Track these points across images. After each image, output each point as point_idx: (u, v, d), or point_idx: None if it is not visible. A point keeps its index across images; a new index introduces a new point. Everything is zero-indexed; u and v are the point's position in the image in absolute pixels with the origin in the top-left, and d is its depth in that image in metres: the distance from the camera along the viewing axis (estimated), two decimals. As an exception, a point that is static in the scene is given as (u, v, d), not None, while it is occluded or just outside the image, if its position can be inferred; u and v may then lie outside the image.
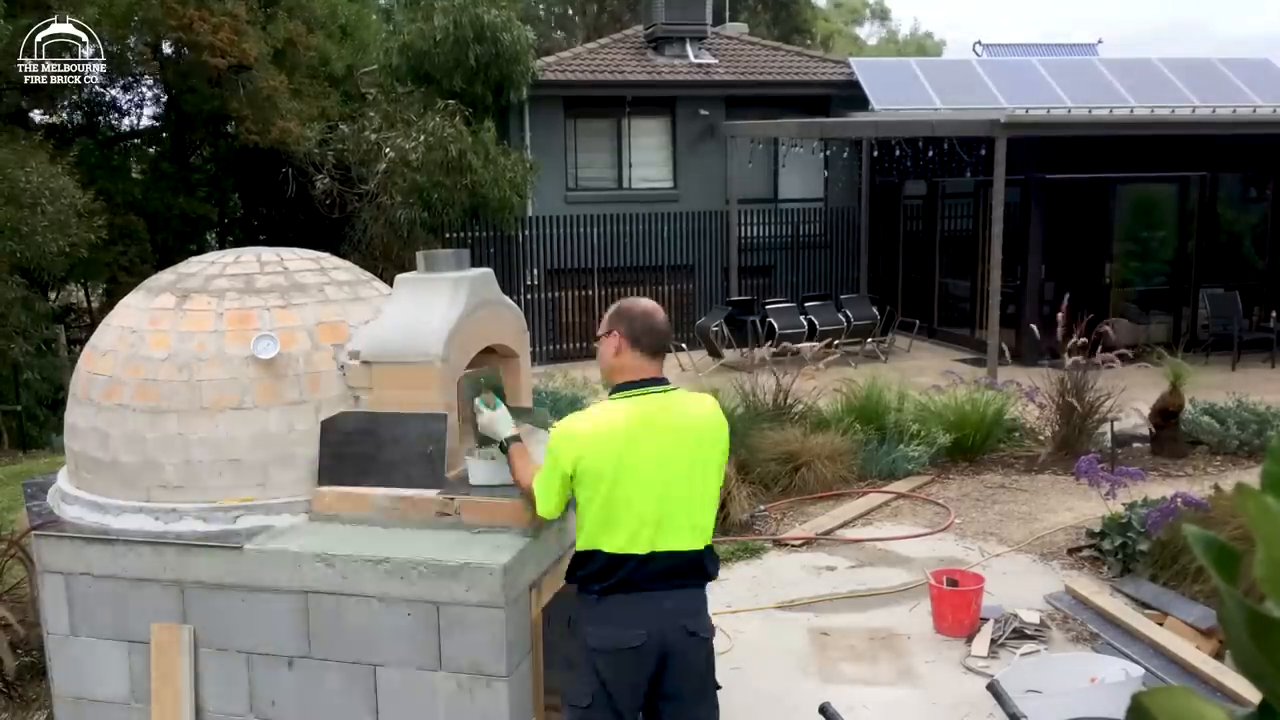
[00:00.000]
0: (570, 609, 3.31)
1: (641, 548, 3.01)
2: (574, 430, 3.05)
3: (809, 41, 31.05)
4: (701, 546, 3.12)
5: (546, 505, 3.12)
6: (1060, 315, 8.49)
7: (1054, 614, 5.66)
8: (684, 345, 14.06)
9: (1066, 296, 8.47)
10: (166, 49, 16.06)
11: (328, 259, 4.08)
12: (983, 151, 13.17)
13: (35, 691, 4.66)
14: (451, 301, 3.60)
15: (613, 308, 3.23)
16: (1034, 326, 10.18)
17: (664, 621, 3.04)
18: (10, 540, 4.94)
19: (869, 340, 14.12)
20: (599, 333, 3.22)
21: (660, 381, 3.15)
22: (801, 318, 13.96)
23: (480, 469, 3.50)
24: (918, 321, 15.30)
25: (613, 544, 3.01)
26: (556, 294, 15.43)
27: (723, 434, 3.22)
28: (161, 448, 3.52)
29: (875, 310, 14.68)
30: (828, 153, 16.71)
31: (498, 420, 3.37)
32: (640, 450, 3.02)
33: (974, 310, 14.63)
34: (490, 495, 3.45)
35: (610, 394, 3.17)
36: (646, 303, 3.27)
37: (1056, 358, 8.93)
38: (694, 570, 3.11)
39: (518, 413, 3.61)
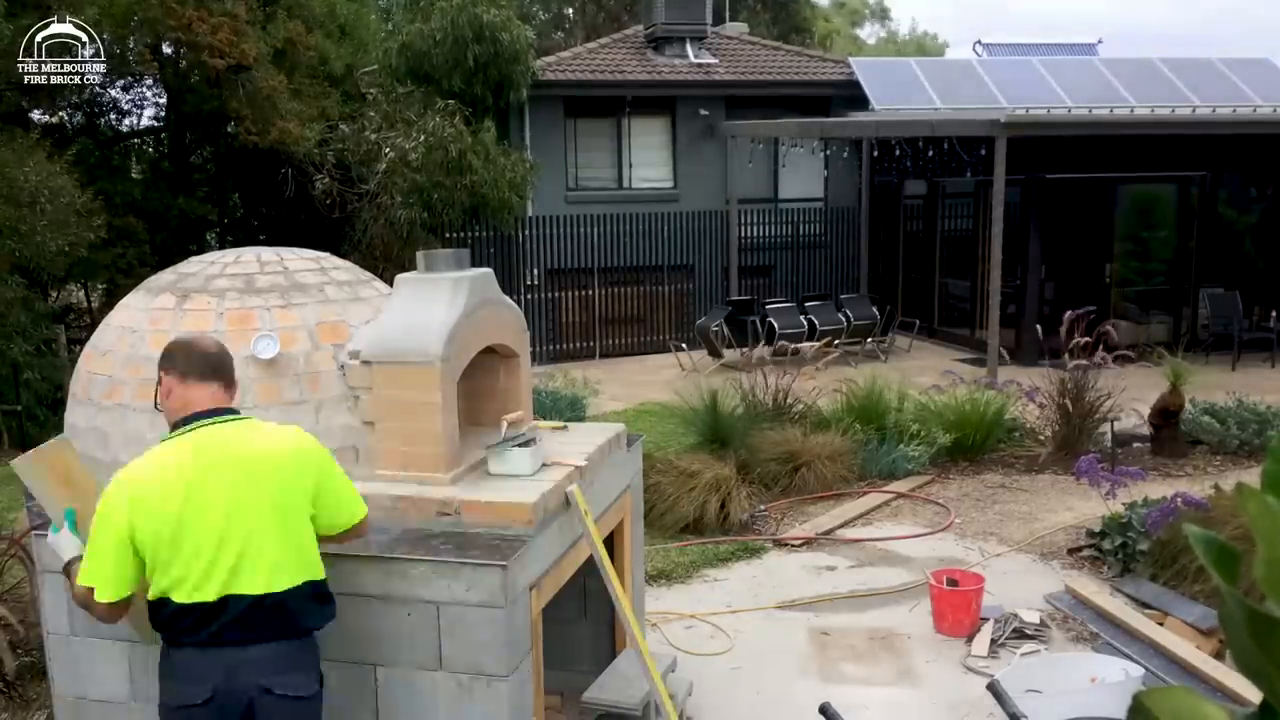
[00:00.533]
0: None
1: (210, 594, 2.74)
2: (118, 488, 2.77)
3: (809, 41, 31.04)
4: (287, 586, 2.81)
5: (108, 585, 2.75)
6: (1066, 316, 8.48)
7: (1054, 614, 5.66)
8: (684, 345, 14.07)
9: (1069, 315, 8.45)
10: (166, 49, 16.05)
11: (328, 259, 4.08)
12: (983, 151, 13.17)
13: (35, 691, 4.66)
14: (451, 301, 3.60)
15: (161, 352, 2.96)
16: (1037, 327, 10.18)
17: (238, 678, 2.76)
18: (11, 540, 4.94)
19: (869, 340, 14.12)
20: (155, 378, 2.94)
21: (222, 412, 2.86)
22: (801, 318, 13.96)
23: (502, 460, 3.54)
24: (918, 321, 15.30)
25: (180, 593, 2.74)
26: (556, 294, 15.42)
27: (308, 462, 2.90)
28: (161, 448, 3.52)
29: (875, 310, 14.67)
30: (828, 153, 16.71)
31: (61, 543, 3.00)
32: (202, 491, 2.75)
33: (974, 310, 14.63)
34: (492, 495, 3.46)
35: (162, 438, 2.89)
36: (191, 334, 3.07)
37: (1057, 358, 8.93)
38: (279, 617, 2.80)
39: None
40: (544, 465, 3.69)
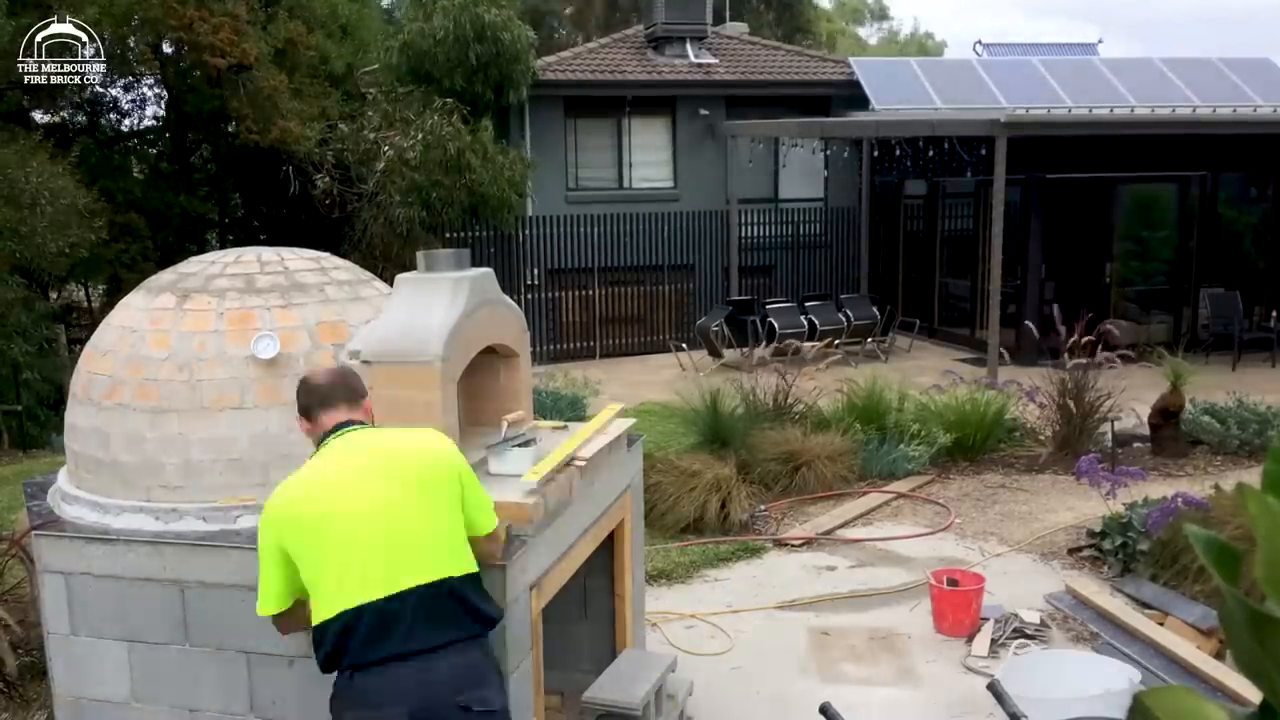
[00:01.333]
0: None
1: (378, 591, 2.66)
2: (270, 503, 2.81)
3: (811, 41, 31.05)
4: (459, 572, 2.75)
5: (268, 600, 2.81)
6: (1064, 322, 8.48)
7: (1054, 614, 5.66)
8: (684, 345, 14.07)
9: (1060, 314, 8.46)
10: (167, 49, 16.06)
11: (328, 259, 4.08)
12: (983, 151, 13.17)
13: (35, 691, 4.66)
14: (452, 301, 3.60)
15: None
16: (1033, 326, 10.18)
17: (430, 693, 2.65)
18: (11, 540, 4.94)
19: (869, 340, 14.12)
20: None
21: (350, 424, 2.93)
22: (801, 317, 13.96)
23: (502, 460, 3.55)
24: (918, 321, 15.30)
25: (346, 600, 2.67)
26: (557, 294, 15.42)
27: (451, 458, 2.91)
28: (162, 447, 3.52)
29: (875, 310, 14.68)
30: (828, 153, 16.71)
31: None
32: (346, 488, 2.77)
33: (974, 310, 14.63)
34: (491, 495, 3.46)
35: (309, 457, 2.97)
36: (310, 371, 3.13)
37: (1057, 357, 8.93)
38: (459, 613, 2.73)
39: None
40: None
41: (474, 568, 2.82)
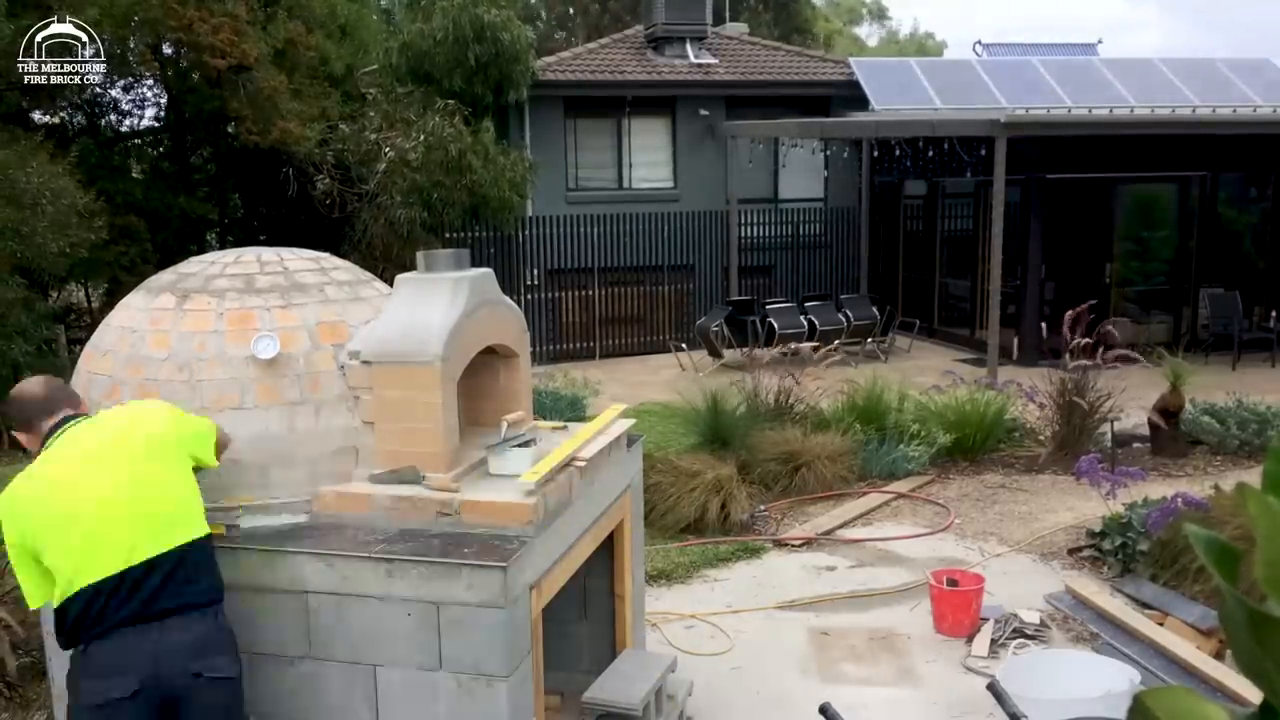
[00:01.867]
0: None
1: (114, 566, 2.82)
2: (3, 510, 2.93)
3: (809, 41, 31.04)
4: (191, 537, 2.96)
5: (33, 598, 2.95)
6: (1068, 317, 8.46)
7: (1054, 614, 5.66)
8: (684, 345, 14.07)
9: (1069, 314, 8.43)
10: (167, 49, 16.05)
11: (328, 259, 4.08)
12: (983, 151, 13.17)
13: (35, 691, 4.66)
14: (451, 301, 3.60)
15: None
16: (1043, 325, 10.17)
17: (163, 661, 2.80)
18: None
19: (869, 340, 14.12)
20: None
21: (71, 417, 3.09)
22: (801, 318, 13.96)
23: (503, 460, 3.55)
24: (918, 321, 15.30)
25: (84, 578, 2.81)
26: (556, 294, 15.42)
27: (161, 423, 3.08)
28: (162, 448, 3.52)
29: (875, 310, 14.67)
30: (828, 153, 16.71)
31: None
32: (77, 483, 2.90)
33: (974, 310, 14.63)
34: (491, 495, 3.46)
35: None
36: (15, 391, 3.21)
37: (1057, 357, 8.92)
38: (193, 581, 2.91)
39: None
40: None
41: (205, 530, 3.03)
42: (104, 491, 2.88)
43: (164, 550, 2.88)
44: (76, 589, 2.81)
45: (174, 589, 2.87)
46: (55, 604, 2.87)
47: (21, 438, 3.14)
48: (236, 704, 2.96)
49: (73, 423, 3.07)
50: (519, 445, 3.66)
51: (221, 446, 3.24)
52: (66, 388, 3.24)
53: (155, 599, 2.83)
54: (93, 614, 2.80)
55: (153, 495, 2.93)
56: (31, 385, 3.18)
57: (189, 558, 2.91)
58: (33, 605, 2.99)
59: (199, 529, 3.00)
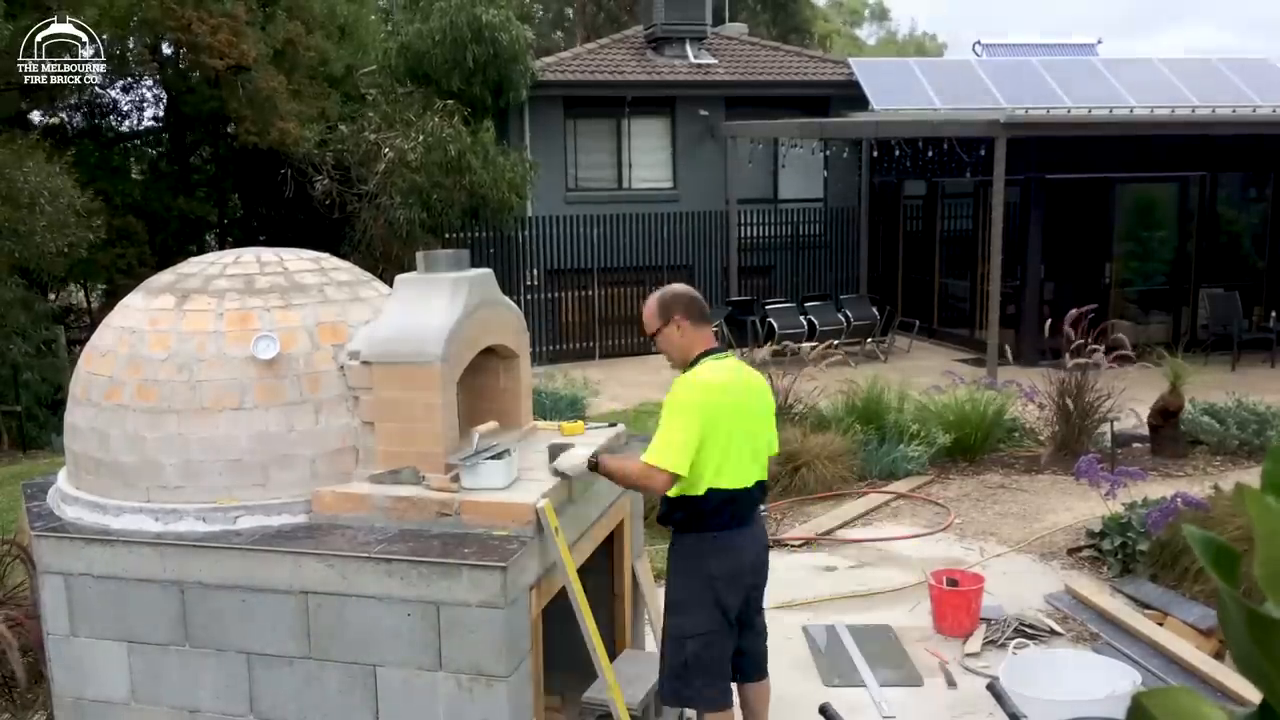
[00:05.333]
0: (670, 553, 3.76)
1: (746, 481, 3.59)
2: (699, 386, 3.52)
3: (808, 41, 31.03)
4: (763, 479, 3.78)
5: (686, 461, 3.45)
6: (1069, 317, 8.46)
7: (1054, 614, 5.66)
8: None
9: (1072, 313, 8.43)
10: (166, 50, 16.06)
11: (327, 259, 4.08)
12: (982, 151, 13.17)
13: (35, 692, 4.66)
14: (451, 302, 3.60)
15: (657, 303, 3.65)
16: (1048, 323, 10.16)
17: (759, 543, 3.77)
18: (13, 542, 4.94)
19: (869, 340, 14.12)
20: (655, 328, 3.65)
21: (723, 349, 3.70)
22: (801, 318, 13.96)
23: (474, 474, 3.51)
24: (918, 321, 15.30)
25: (727, 482, 3.53)
26: (556, 294, 15.42)
27: (769, 391, 3.93)
28: (161, 448, 3.52)
29: (875, 310, 14.67)
30: (828, 153, 16.71)
31: (572, 456, 3.68)
32: (739, 400, 3.58)
33: (974, 310, 14.63)
34: (491, 495, 3.45)
35: (695, 362, 3.61)
36: (679, 287, 3.74)
37: (1057, 357, 8.92)
38: (759, 501, 3.80)
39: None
40: (518, 478, 3.61)
41: (766, 476, 3.81)
42: (746, 421, 3.66)
43: (762, 479, 3.79)
44: (724, 489, 3.56)
45: (757, 505, 3.83)
46: (692, 493, 3.56)
47: (667, 332, 3.63)
48: None
49: (723, 356, 3.69)
50: (491, 458, 3.54)
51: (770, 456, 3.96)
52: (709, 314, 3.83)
53: (754, 507, 3.78)
54: (727, 511, 3.61)
55: (765, 441, 3.80)
56: (697, 295, 3.75)
57: (764, 489, 3.87)
58: (682, 470, 3.47)
59: (765, 473, 3.85)
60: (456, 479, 3.52)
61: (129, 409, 3.56)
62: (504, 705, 3.18)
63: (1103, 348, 8.28)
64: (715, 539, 3.60)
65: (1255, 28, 59.91)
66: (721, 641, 3.65)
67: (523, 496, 3.43)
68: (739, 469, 3.57)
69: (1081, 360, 8.32)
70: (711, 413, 3.48)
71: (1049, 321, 10.03)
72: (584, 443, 4.06)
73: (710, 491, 3.53)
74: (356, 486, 3.56)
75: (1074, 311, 8.42)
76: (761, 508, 3.98)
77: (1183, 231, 14.54)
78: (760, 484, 3.76)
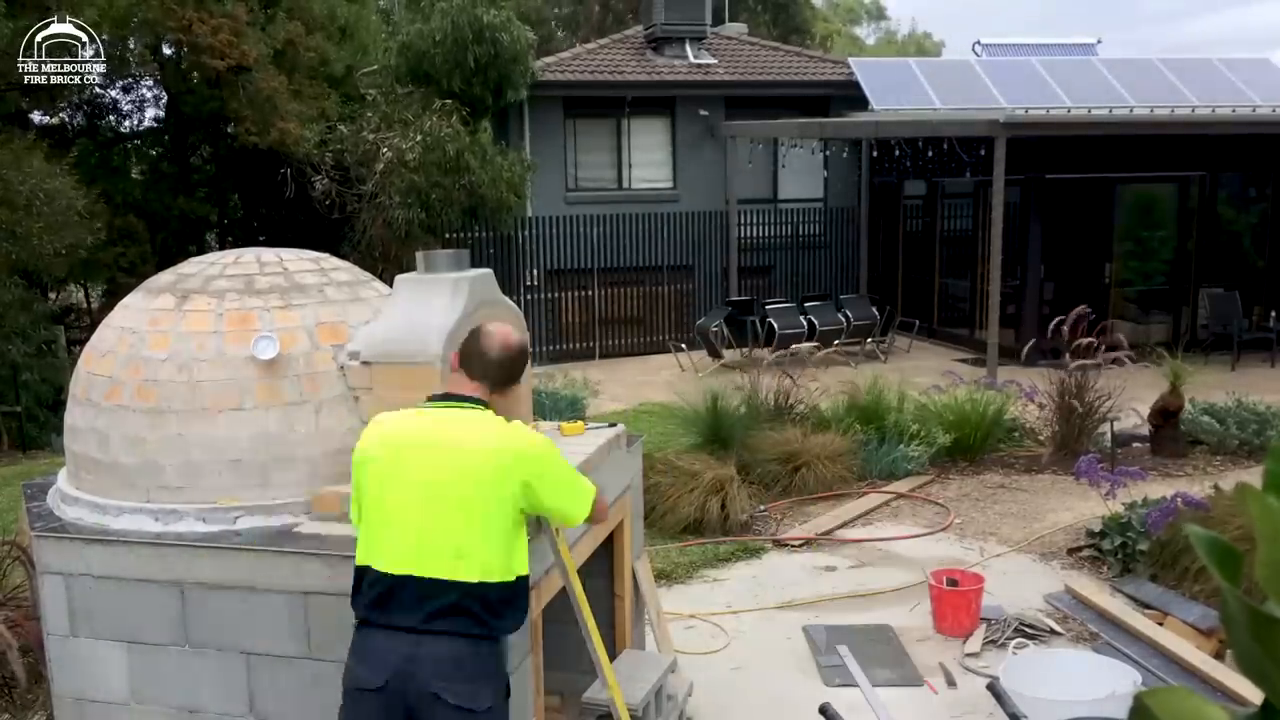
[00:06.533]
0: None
1: (396, 567, 2.73)
2: (365, 431, 2.97)
3: (808, 41, 31.04)
4: (468, 579, 2.71)
5: (349, 511, 2.98)
6: (1073, 313, 8.45)
7: (1054, 614, 5.66)
8: (684, 346, 14.07)
9: (1074, 312, 8.42)
10: (166, 50, 16.05)
11: (327, 259, 4.08)
12: (982, 151, 13.17)
13: (35, 692, 4.66)
14: (451, 302, 3.60)
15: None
16: (1051, 324, 10.16)
17: (410, 670, 2.67)
18: (13, 543, 4.94)
19: (869, 340, 14.12)
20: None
21: (464, 399, 2.91)
22: (801, 318, 13.96)
23: None
24: (918, 321, 15.30)
25: (377, 559, 2.77)
26: (556, 294, 15.42)
27: (512, 464, 2.79)
28: (161, 448, 3.52)
29: (875, 310, 14.67)
30: (827, 153, 16.71)
31: None
32: (410, 460, 2.79)
33: (974, 310, 14.63)
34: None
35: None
36: (494, 326, 3.07)
37: (1057, 357, 8.92)
38: (457, 611, 2.70)
39: None
40: None
41: (487, 576, 2.75)
42: (440, 496, 2.83)
43: (446, 578, 2.79)
44: (372, 568, 2.86)
45: (444, 614, 2.82)
46: (357, 562, 2.89)
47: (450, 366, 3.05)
48: None
49: (450, 404, 2.95)
50: None
51: (597, 521, 3.22)
52: (505, 368, 3.02)
53: (421, 612, 2.83)
54: (371, 597, 2.87)
55: (471, 530, 2.82)
56: (497, 340, 3.00)
57: (469, 597, 2.80)
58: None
59: (499, 574, 2.83)
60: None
61: (129, 409, 3.56)
62: (504, 705, 3.18)
63: (1103, 347, 8.28)
64: (356, 632, 2.83)
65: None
66: None
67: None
68: (401, 550, 2.74)
69: (1081, 359, 8.32)
70: (357, 470, 2.87)
71: (1038, 323, 10.03)
72: (584, 443, 4.06)
73: (359, 567, 2.83)
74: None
75: (1075, 312, 8.42)
76: (484, 633, 2.76)
77: (1182, 231, 14.54)
78: (460, 587, 2.70)
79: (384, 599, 2.73)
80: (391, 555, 2.74)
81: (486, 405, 2.92)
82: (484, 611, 2.74)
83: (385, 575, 2.74)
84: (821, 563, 6.61)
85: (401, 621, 2.71)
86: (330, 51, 16.46)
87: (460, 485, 2.75)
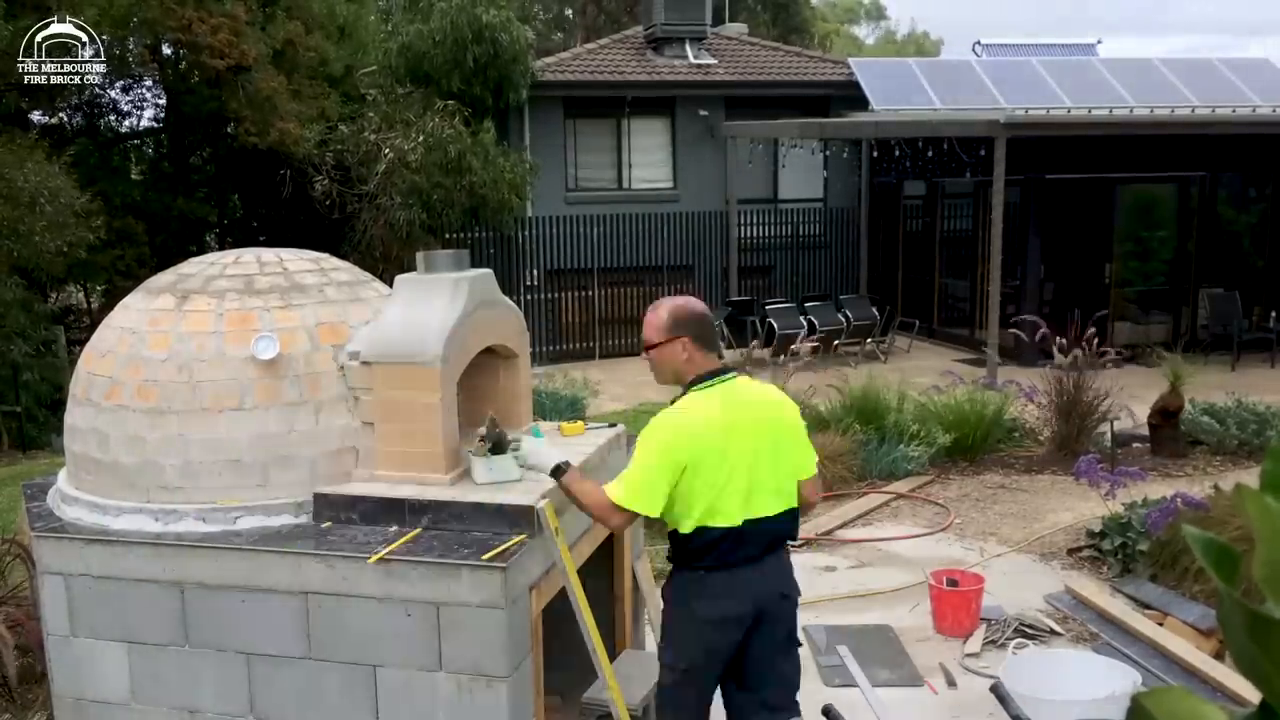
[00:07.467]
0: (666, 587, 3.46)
1: (738, 519, 3.24)
2: (681, 424, 3.24)
3: (808, 41, 31.03)
4: (788, 507, 3.37)
5: (654, 503, 3.20)
6: (1067, 330, 8.46)
7: (1054, 614, 5.66)
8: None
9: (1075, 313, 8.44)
10: (166, 50, 16.04)
11: (327, 260, 4.08)
12: (982, 151, 13.17)
13: (35, 692, 4.66)
14: (451, 302, 3.60)
15: (666, 317, 3.38)
16: (1026, 329, 10.16)
17: (764, 589, 3.33)
18: (13, 541, 4.94)
19: (869, 340, 14.12)
20: (656, 341, 3.38)
21: (728, 370, 3.39)
22: (801, 318, 13.96)
23: (483, 467, 3.51)
24: (917, 321, 15.30)
25: (722, 520, 3.22)
26: (556, 294, 15.42)
27: (792, 409, 3.46)
28: (161, 448, 3.52)
29: (875, 310, 14.67)
30: (827, 153, 16.71)
31: (542, 452, 3.40)
32: (735, 431, 3.23)
33: (974, 310, 14.63)
34: (492, 495, 3.45)
35: (687, 390, 3.35)
36: (695, 304, 3.46)
37: (1052, 358, 8.92)
38: (782, 535, 3.39)
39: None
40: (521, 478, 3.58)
41: (793, 504, 3.39)
42: (744, 453, 3.29)
43: (770, 514, 3.34)
44: (713, 528, 3.24)
45: (768, 542, 3.40)
46: (689, 528, 3.26)
47: (665, 349, 3.36)
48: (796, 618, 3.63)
49: (729, 378, 3.36)
50: (499, 451, 3.55)
51: (813, 489, 3.56)
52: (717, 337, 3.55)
53: (755, 546, 3.35)
54: (718, 550, 3.29)
55: (781, 470, 3.37)
56: (707, 314, 3.46)
57: (783, 525, 3.42)
58: (642, 509, 3.23)
59: (792, 502, 3.43)
60: (465, 473, 3.52)
61: (129, 409, 3.56)
62: (504, 705, 3.18)
63: (1103, 347, 8.28)
64: (704, 579, 3.30)
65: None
66: (696, 682, 3.37)
67: (523, 497, 3.43)
68: (739, 505, 3.25)
69: (1081, 360, 8.32)
70: (691, 456, 3.19)
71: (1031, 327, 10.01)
72: (584, 443, 4.06)
73: (698, 529, 3.25)
74: (356, 487, 3.56)
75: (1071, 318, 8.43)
76: (792, 540, 3.54)
77: (1182, 231, 14.53)
78: (782, 516, 3.36)
79: (733, 546, 3.25)
80: (731, 511, 3.23)
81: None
82: (792, 526, 3.44)
83: (730, 529, 3.23)
84: (821, 563, 6.61)
85: (751, 554, 3.29)
86: (330, 51, 16.45)
87: (775, 437, 3.33)
